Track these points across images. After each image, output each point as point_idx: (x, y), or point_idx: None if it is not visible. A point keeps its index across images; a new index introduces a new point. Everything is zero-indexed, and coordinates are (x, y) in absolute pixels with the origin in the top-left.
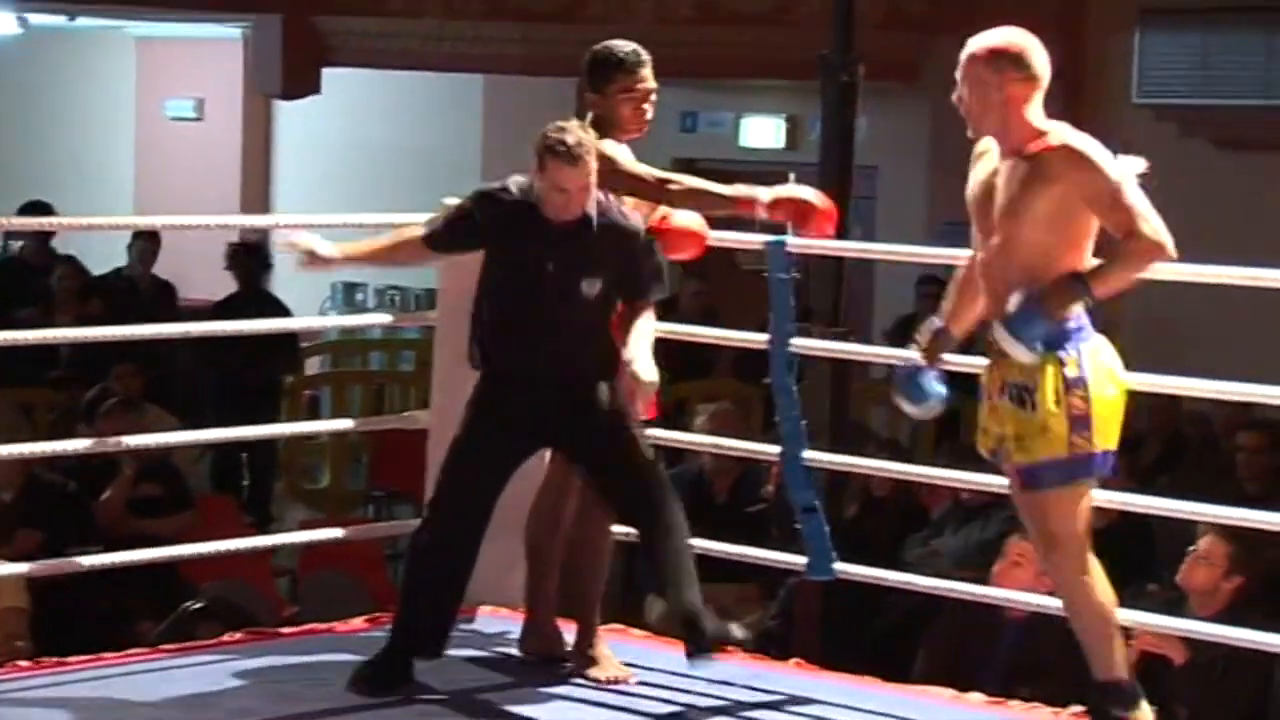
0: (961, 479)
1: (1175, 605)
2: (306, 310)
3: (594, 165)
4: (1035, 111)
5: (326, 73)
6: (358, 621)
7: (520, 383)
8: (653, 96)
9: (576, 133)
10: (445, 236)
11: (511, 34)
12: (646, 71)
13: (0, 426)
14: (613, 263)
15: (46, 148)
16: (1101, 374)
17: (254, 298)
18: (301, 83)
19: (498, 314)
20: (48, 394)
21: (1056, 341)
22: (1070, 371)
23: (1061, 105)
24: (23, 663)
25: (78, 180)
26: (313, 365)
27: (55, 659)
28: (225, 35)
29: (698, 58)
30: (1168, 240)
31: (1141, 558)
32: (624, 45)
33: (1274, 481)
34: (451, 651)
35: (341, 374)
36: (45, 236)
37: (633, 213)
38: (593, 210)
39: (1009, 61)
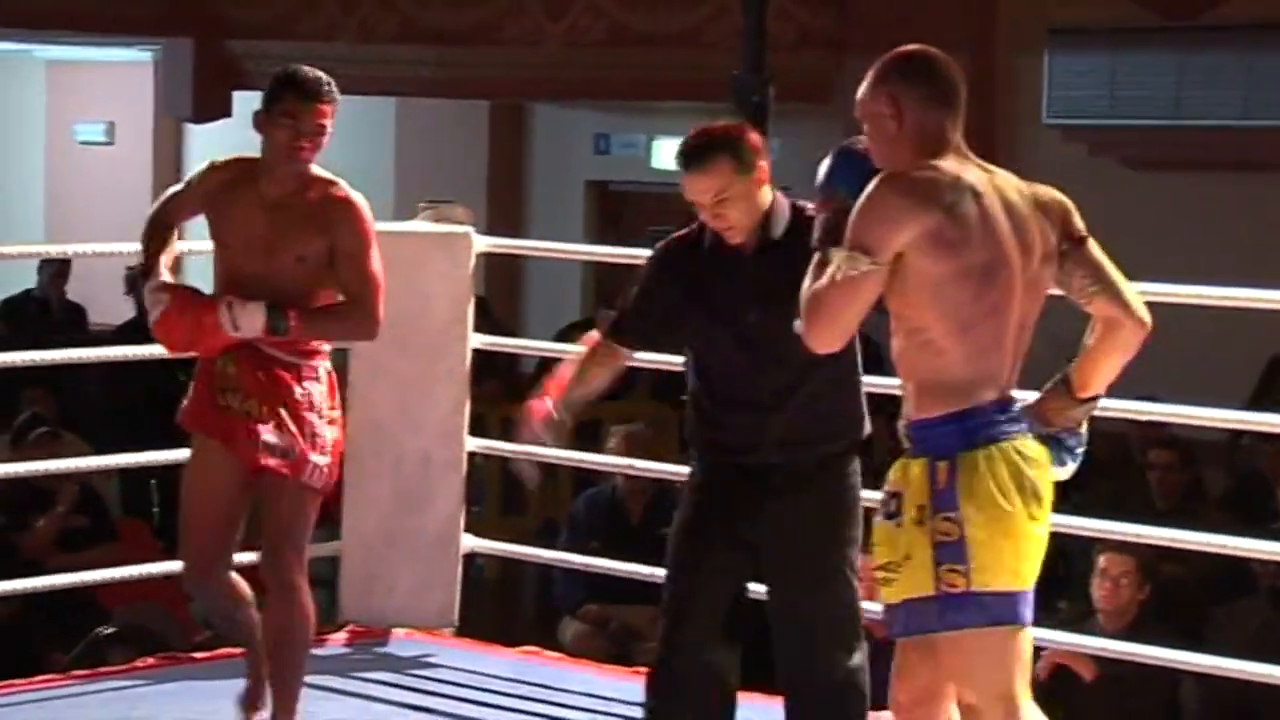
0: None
1: (1085, 620)
2: None
3: (736, 164)
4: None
5: (238, 95)
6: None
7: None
8: (322, 138)
9: (713, 128)
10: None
11: (424, 56)
12: (326, 107)
13: None
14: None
15: None
16: (989, 491)
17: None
18: (212, 106)
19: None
20: None
21: (929, 439)
22: (940, 482)
23: (972, 125)
24: None
25: None
26: None
27: None
28: (136, 59)
29: (610, 79)
30: None
31: (1052, 574)
32: (313, 72)
33: (1183, 498)
34: (368, 674)
35: None
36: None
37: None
38: (769, 221)
39: None
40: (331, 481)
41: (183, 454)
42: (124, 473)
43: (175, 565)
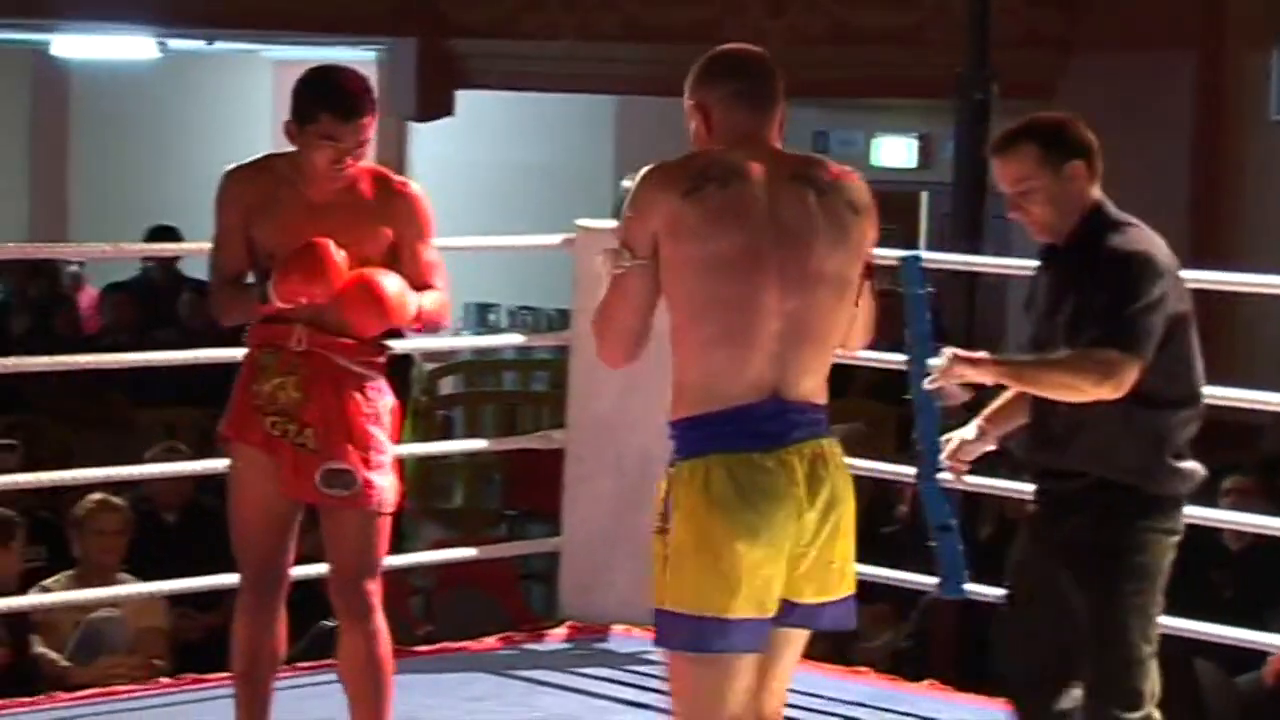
0: None
1: None
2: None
3: (1042, 154)
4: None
5: (460, 94)
6: (491, 640)
7: None
8: (365, 148)
9: (1038, 115)
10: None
11: (644, 55)
12: (367, 120)
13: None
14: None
15: (183, 170)
16: (691, 506)
17: None
18: (436, 104)
19: None
20: (192, 413)
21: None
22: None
23: (1199, 123)
24: (164, 679)
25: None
26: (446, 386)
27: (194, 676)
28: (361, 58)
29: (830, 77)
30: None
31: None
32: (348, 84)
33: None
34: (587, 670)
35: (475, 394)
36: (171, 260)
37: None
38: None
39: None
40: (398, 497)
41: (403, 449)
42: None
43: (398, 560)
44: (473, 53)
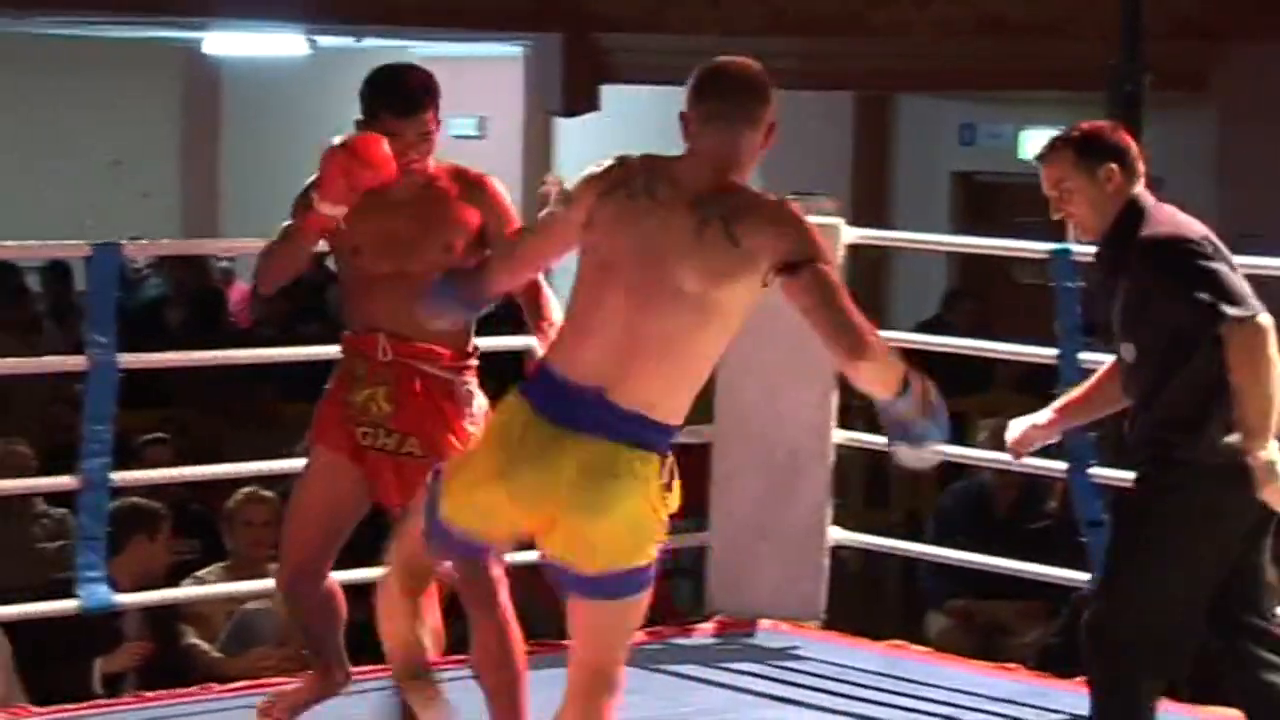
0: None
1: None
2: None
3: (1076, 158)
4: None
5: (606, 89)
6: (639, 635)
7: None
8: (432, 141)
9: (1080, 124)
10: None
11: (791, 48)
12: (427, 113)
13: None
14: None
15: None
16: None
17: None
18: (581, 100)
19: None
20: None
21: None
22: None
23: None
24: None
25: None
26: None
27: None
28: (507, 54)
29: (978, 69)
30: None
31: None
32: (406, 78)
33: None
34: (734, 665)
35: None
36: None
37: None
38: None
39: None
40: None
41: None
42: None
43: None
44: (618, 47)
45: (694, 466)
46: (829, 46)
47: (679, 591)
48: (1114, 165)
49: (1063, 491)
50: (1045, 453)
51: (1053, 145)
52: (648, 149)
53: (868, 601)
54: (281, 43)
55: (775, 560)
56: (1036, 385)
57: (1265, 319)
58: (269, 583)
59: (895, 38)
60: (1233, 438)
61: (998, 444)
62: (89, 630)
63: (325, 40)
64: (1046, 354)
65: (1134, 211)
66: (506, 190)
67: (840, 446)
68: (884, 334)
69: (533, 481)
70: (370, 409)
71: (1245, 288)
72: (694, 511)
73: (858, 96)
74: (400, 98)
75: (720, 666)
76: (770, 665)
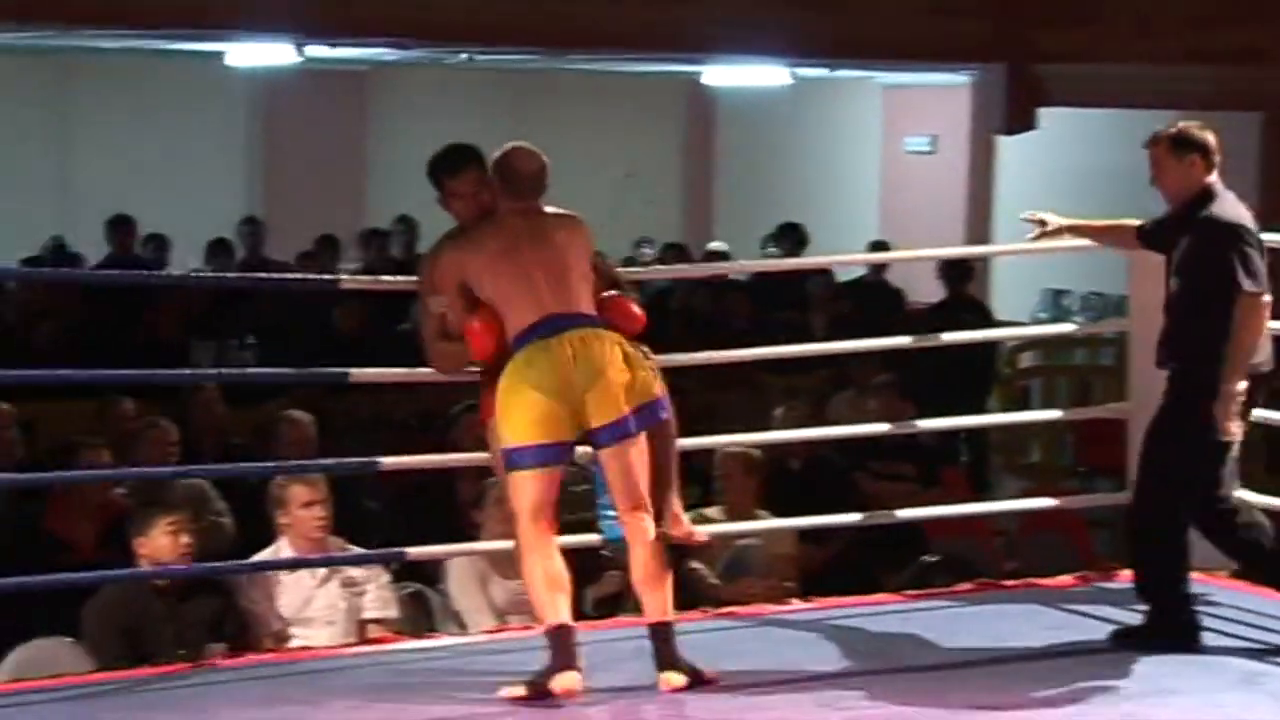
0: None
1: None
2: (1020, 311)
3: (1171, 148)
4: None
5: (1042, 111)
6: (1068, 578)
7: None
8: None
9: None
10: (1152, 233)
11: (1203, 75)
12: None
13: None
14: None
15: (808, 177)
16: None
17: (959, 302)
18: (1020, 120)
19: None
20: (806, 380)
21: None
22: None
23: None
24: (795, 601)
25: (833, 203)
26: (1025, 360)
27: (817, 599)
28: (956, 81)
29: None
30: None
31: None
32: (443, 153)
33: None
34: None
35: (1049, 367)
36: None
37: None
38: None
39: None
40: None
41: (994, 418)
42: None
43: (985, 506)
44: (1053, 76)
45: (1113, 436)
46: (1232, 75)
47: (1100, 540)
48: (1196, 156)
49: None
50: None
51: (1152, 139)
52: (1072, 161)
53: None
54: (768, 74)
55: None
56: None
57: (1266, 298)
58: (757, 524)
59: None
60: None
61: None
62: (579, 561)
63: (804, 71)
64: None
65: (1206, 196)
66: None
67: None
68: None
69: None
70: None
71: (1262, 269)
72: (1113, 473)
73: (1266, 118)
74: (440, 168)
75: (1137, 610)
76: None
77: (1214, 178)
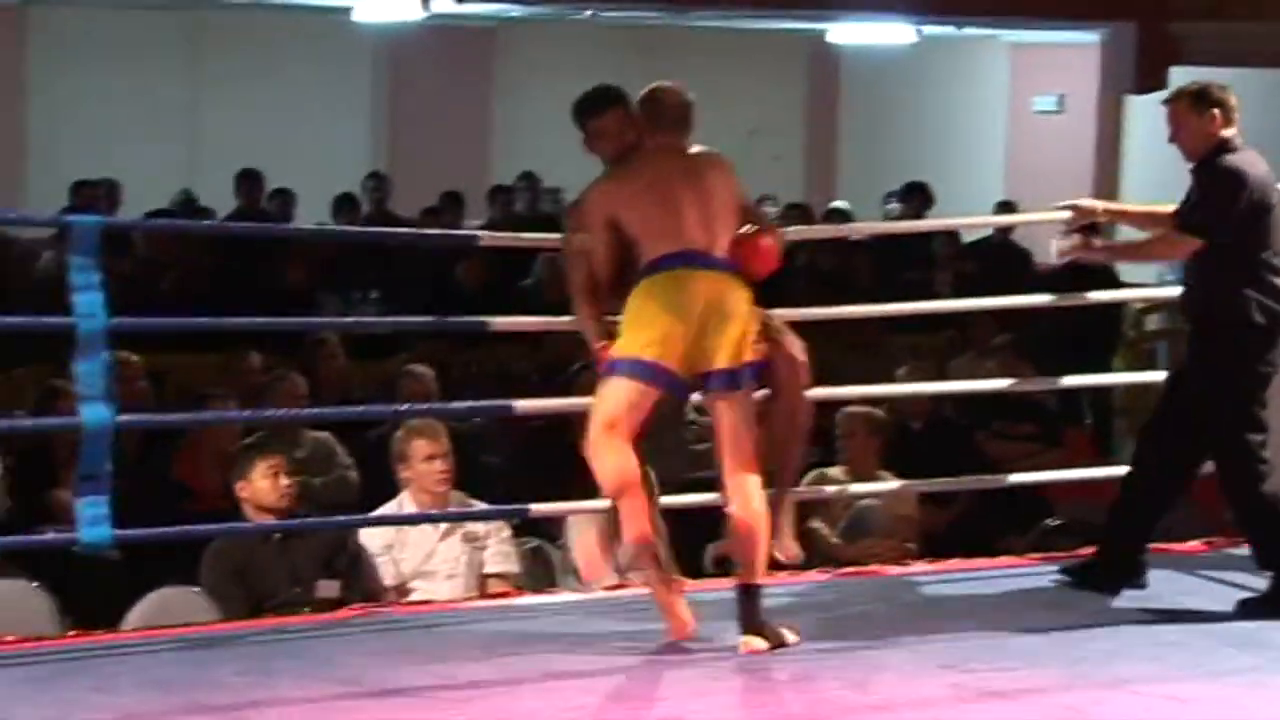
0: None
1: None
2: (1147, 273)
3: (1191, 104)
4: None
5: (1174, 70)
6: (1196, 543)
7: None
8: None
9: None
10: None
11: None
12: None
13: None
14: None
15: (933, 137)
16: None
17: (1085, 264)
18: (1151, 80)
19: None
20: (930, 338)
21: None
22: None
23: None
24: (916, 563)
25: (959, 163)
26: (1152, 322)
27: (938, 561)
28: (1085, 40)
29: None
30: None
31: None
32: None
33: None
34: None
35: (1177, 330)
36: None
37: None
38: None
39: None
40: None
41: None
42: (1064, 390)
43: (1110, 470)
44: (1186, 34)
45: None
46: None
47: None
48: (1217, 111)
49: None
50: None
51: (1174, 94)
52: None
53: None
54: (893, 32)
55: None
56: None
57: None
58: (879, 485)
59: None
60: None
61: None
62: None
63: (930, 29)
64: None
65: (1222, 148)
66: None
67: None
68: None
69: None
70: None
71: (1246, 218)
72: None
73: None
74: (576, 112)
75: (1266, 576)
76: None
77: (1233, 132)
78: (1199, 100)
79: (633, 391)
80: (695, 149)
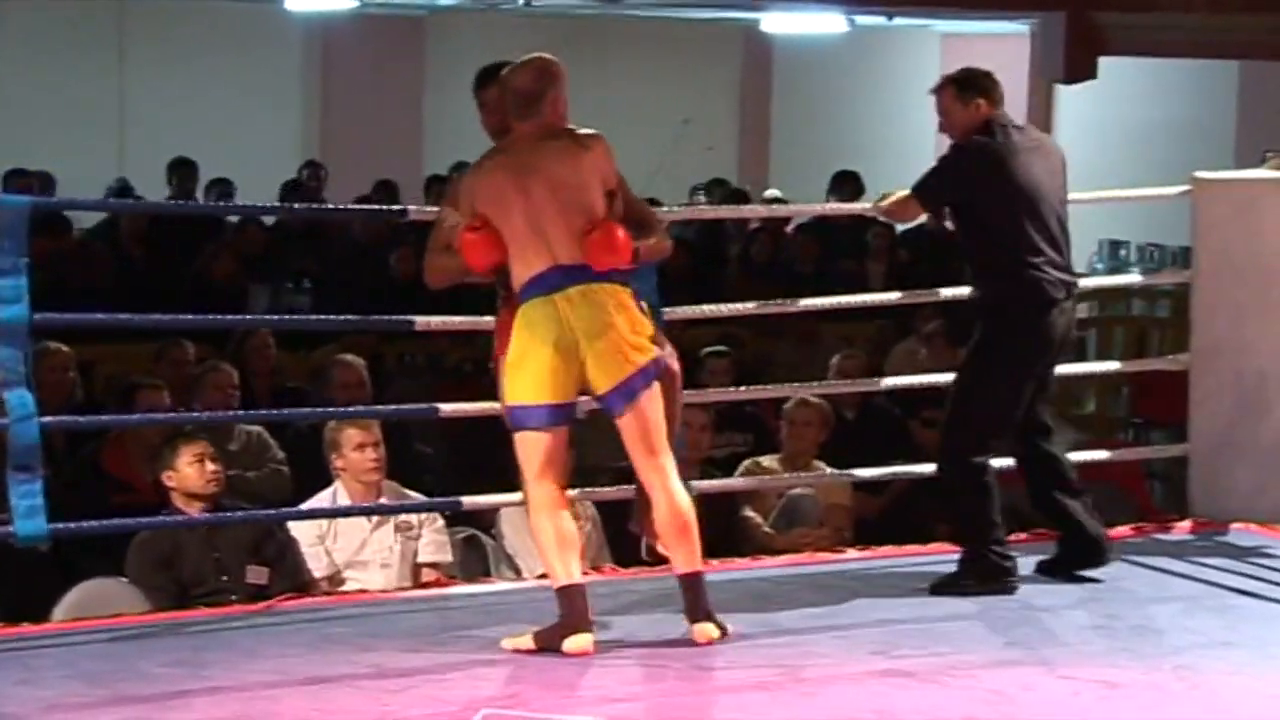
0: None
1: None
2: (1078, 262)
3: (956, 93)
4: None
5: (1102, 60)
6: (1124, 529)
7: None
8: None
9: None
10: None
11: (1268, 24)
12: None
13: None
14: None
15: (865, 126)
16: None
17: None
18: (1079, 69)
19: None
20: (865, 327)
21: None
22: None
23: None
24: (849, 550)
25: (891, 152)
26: (1081, 311)
27: (871, 548)
28: (1015, 30)
29: None
30: None
31: None
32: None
33: None
34: (1209, 560)
35: (1106, 319)
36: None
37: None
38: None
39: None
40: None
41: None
42: None
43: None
44: (1113, 24)
45: (1169, 388)
46: None
47: (1154, 493)
48: (982, 100)
49: None
50: None
51: (940, 84)
52: (1132, 112)
53: None
54: (825, 22)
55: (1247, 469)
56: None
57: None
58: (812, 474)
59: None
60: None
61: None
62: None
63: (861, 19)
64: None
65: (983, 128)
66: None
67: None
68: None
69: (558, 338)
70: None
71: (943, 186)
72: (1168, 425)
73: None
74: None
75: (1195, 561)
76: (1242, 561)
77: (998, 112)
78: (964, 89)
79: (541, 441)
80: (565, 130)
